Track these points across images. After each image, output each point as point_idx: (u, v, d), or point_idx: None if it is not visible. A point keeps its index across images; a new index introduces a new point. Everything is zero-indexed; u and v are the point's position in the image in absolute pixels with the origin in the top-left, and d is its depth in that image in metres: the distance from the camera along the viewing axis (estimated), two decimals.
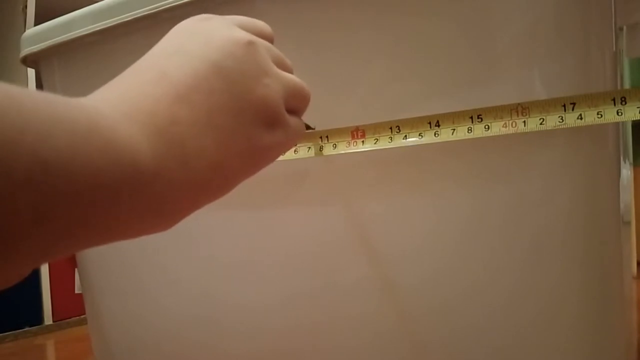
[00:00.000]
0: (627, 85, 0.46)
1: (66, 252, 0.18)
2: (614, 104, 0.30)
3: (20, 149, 0.15)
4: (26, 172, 0.16)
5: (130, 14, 0.47)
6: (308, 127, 0.36)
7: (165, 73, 0.23)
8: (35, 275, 1.38)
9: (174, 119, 0.22)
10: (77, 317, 1.45)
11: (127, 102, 0.21)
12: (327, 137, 0.39)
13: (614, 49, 0.35)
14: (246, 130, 0.24)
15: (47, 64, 0.57)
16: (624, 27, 0.43)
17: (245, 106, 0.24)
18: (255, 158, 0.26)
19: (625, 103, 0.29)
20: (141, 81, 0.23)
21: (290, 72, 0.29)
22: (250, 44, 0.26)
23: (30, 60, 0.57)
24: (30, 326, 1.39)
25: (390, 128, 0.36)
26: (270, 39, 0.29)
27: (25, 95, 0.17)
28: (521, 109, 0.32)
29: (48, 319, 1.42)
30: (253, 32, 0.27)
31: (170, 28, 0.27)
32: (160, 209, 0.21)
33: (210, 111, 0.23)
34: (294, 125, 0.28)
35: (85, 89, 0.22)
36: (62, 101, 0.18)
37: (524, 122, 0.32)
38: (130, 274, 0.54)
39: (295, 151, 0.40)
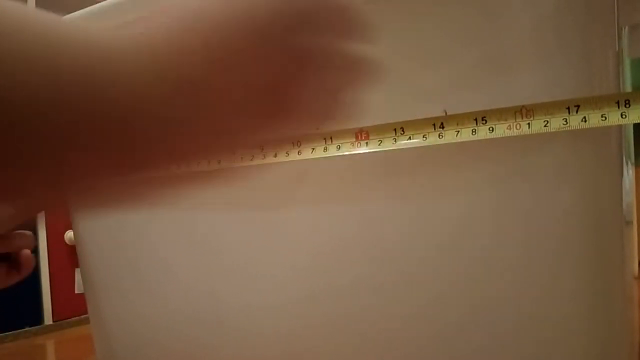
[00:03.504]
0: (628, 86, 0.46)
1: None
2: (618, 107, 0.30)
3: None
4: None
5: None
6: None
7: None
8: (35, 275, 1.38)
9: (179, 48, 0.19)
10: (77, 317, 1.45)
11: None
12: (331, 138, 0.39)
13: (617, 49, 0.35)
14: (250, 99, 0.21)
15: None
16: (625, 28, 0.43)
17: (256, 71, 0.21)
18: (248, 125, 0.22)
19: (629, 106, 0.30)
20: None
21: (359, 34, 0.23)
22: None
23: None
24: (30, 326, 1.39)
25: (395, 129, 0.36)
26: None
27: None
28: (525, 111, 0.32)
29: (48, 319, 1.42)
30: None
31: None
32: (131, 146, 0.19)
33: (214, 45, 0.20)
34: (315, 107, 0.23)
35: None
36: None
37: (528, 124, 0.32)
38: (135, 273, 0.54)
39: (299, 152, 0.40)
